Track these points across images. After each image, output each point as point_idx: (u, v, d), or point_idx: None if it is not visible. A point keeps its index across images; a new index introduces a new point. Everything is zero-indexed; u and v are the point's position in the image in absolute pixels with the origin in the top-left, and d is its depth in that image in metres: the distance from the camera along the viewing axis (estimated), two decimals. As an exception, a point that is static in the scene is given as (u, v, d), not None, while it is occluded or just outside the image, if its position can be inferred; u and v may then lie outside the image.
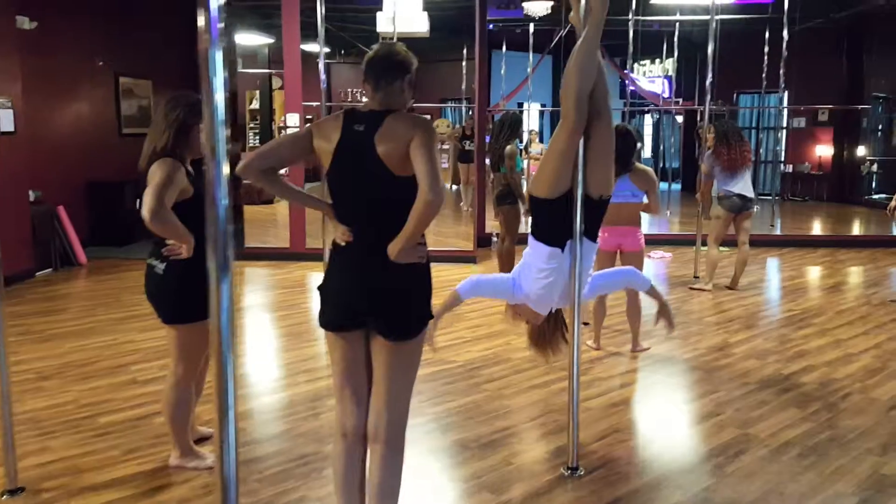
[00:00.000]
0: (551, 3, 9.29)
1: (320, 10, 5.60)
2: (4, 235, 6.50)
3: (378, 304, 2.24)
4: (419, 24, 9.60)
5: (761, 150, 14.10)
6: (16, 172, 6.59)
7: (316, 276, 7.11)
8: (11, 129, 6.48)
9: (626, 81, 16.71)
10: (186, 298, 2.95)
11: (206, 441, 3.44)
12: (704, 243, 6.92)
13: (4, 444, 2.92)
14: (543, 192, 3.03)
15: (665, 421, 3.73)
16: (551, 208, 3.02)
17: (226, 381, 1.36)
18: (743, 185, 6.51)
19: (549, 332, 3.37)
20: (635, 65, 17.57)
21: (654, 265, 7.98)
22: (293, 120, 7.66)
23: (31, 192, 6.98)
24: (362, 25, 10.07)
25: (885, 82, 13.11)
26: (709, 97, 7.71)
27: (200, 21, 1.22)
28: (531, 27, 12.37)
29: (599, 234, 4.73)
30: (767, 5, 11.11)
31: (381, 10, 9.42)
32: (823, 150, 14.14)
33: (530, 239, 3.19)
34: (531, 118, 19.13)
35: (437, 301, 2.50)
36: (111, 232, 8.36)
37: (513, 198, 6.63)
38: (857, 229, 10.90)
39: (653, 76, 17.33)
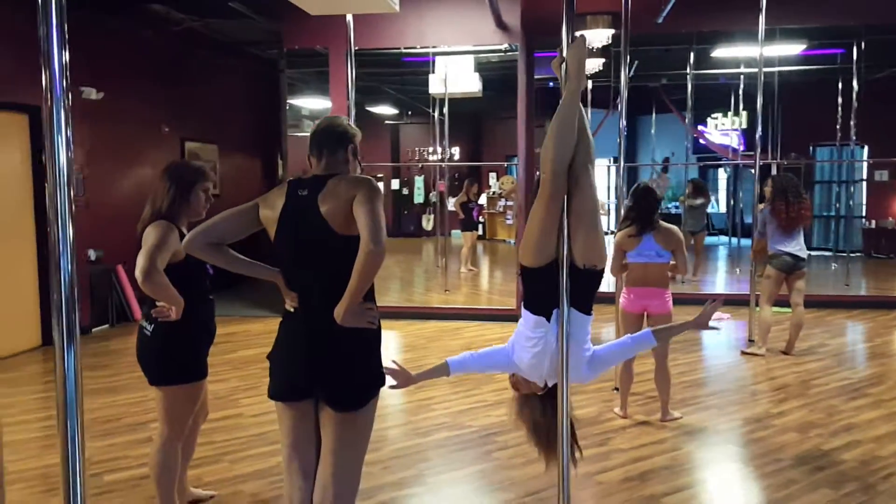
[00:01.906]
0: (602, 59, 9.24)
1: (350, 75, 5.72)
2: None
3: (323, 373, 2.19)
4: (470, 84, 9.74)
5: (839, 205, 13.44)
6: (76, 233, 6.94)
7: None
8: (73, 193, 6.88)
9: (696, 136, 16.40)
10: (172, 360, 2.98)
11: (200, 503, 3.43)
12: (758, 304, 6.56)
13: (-6, 502, 2.99)
14: (529, 261, 2.93)
15: (679, 500, 3.47)
16: (537, 277, 2.92)
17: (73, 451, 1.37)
18: (796, 244, 6.17)
19: (547, 426, 3.18)
20: (708, 118, 17.29)
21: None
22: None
23: (91, 252, 7.35)
24: (420, 87, 10.28)
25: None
26: (764, 150, 7.41)
27: (44, 80, 1.25)
28: (589, 83, 12.31)
29: (624, 295, 4.62)
30: (836, 55, 10.71)
31: (433, 72, 9.63)
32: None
33: (522, 308, 3.09)
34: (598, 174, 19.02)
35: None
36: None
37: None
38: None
39: (725, 129, 16.95)
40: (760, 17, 6.62)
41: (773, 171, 11.07)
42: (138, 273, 2.73)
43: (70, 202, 1.36)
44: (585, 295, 2.93)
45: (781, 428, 4.45)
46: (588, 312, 2.97)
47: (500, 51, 8.65)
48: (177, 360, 2.99)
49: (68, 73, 1.31)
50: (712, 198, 18.50)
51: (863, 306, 8.42)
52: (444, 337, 7.16)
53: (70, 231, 1.41)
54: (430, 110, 11.11)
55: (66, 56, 1.31)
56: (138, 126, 8.42)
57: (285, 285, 2.29)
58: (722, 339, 7.11)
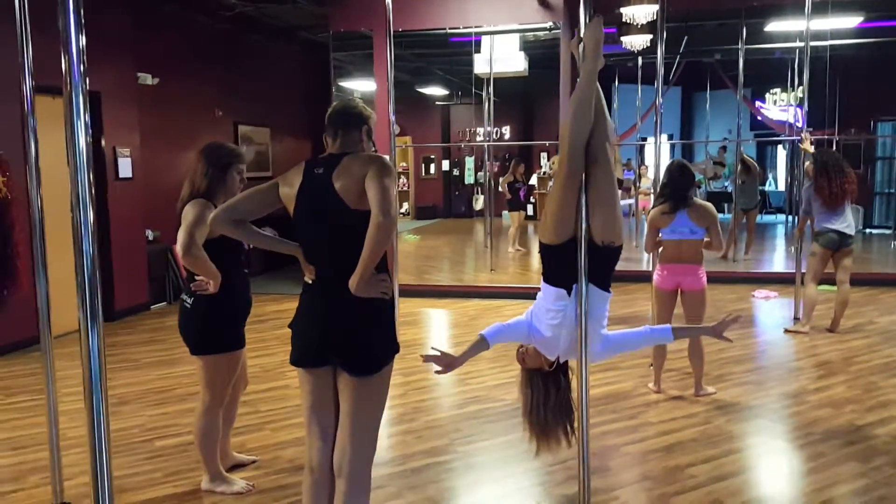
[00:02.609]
0: (649, 35, 9.11)
1: (389, 57, 5.82)
2: (124, 271, 7.25)
3: (339, 341, 2.34)
4: (516, 63, 9.75)
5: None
6: (133, 214, 7.33)
7: (399, 310, 7.31)
8: (129, 175, 7.24)
9: (754, 112, 15.99)
10: (210, 331, 3.19)
11: (242, 468, 3.64)
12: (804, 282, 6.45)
13: (51, 464, 3.24)
14: (548, 239, 3.00)
15: (701, 471, 3.52)
16: (557, 253, 2.97)
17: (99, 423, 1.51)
18: (842, 221, 6.04)
19: (546, 410, 3.22)
20: (766, 94, 16.82)
21: (756, 305, 7.53)
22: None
23: (149, 232, 7.71)
24: (468, 67, 10.33)
25: None
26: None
27: (63, 65, 1.37)
28: (640, 60, 12.16)
29: (658, 271, 4.64)
30: (894, 28, 10.30)
31: (478, 52, 9.67)
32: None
33: (542, 282, 3.16)
34: (653, 152, 18.76)
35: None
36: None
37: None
38: None
39: (784, 105, 16.47)
40: (807, -12, 6.44)
41: (833, 148, 10.76)
42: (179, 248, 2.93)
43: (90, 186, 1.43)
44: (604, 272, 2.98)
45: (817, 403, 4.43)
46: (607, 289, 3.03)
47: (545, 29, 8.62)
48: (215, 330, 3.19)
49: (85, 59, 1.42)
50: (769, 175, 18.06)
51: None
52: (486, 315, 7.28)
53: (91, 215, 1.44)
54: (479, 90, 11.15)
55: (83, 41, 1.41)
56: (192, 110, 8.73)
57: (304, 259, 2.44)
58: (767, 317, 7.03)
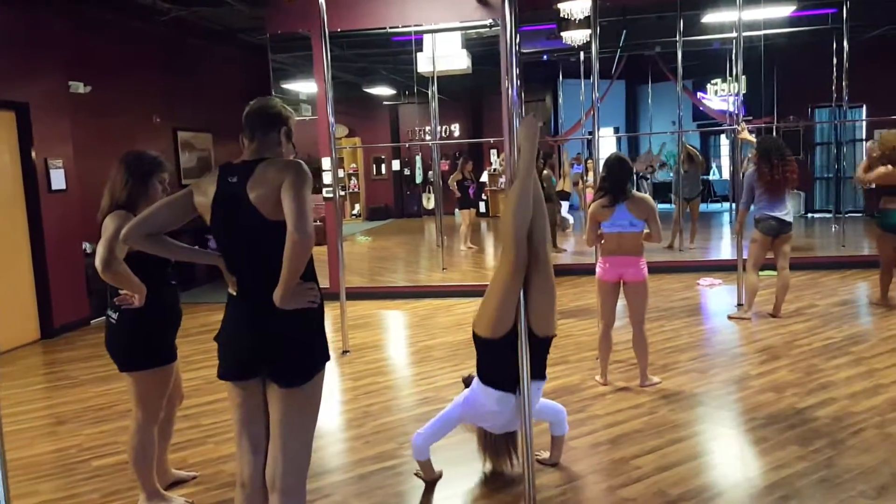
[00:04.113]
0: (587, 31, 9.17)
1: (326, 58, 5.74)
2: (62, 285, 7.01)
3: (266, 352, 2.27)
4: (460, 61, 9.73)
5: (845, 165, 13.32)
6: (69, 227, 7.09)
7: (349, 312, 7.24)
8: (63, 186, 7.01)
9: (695, 103, 16.29)
10: (139, 346, 3.08)
11: (182, 484, 3.54)
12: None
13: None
14: (486, 332, 3.09)
15: (647, 462, 3.54)
16: (495, 349, 3.08)
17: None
18: (782, 209, 6.15)
19: (497, 442, 3.40)
20: (707, 85, 17.15)
21: (701, 293, 7.65)
22: (326, 164, 7.87)
23: (87, 245, 7.46)
24: (411, 66, 10.26)
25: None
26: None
27: None
28: (582, 55, 12.26)
29: (600, 264, 4.67)
30: (827, 16, 10.58)
31: (421, 50, 9.63)
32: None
33: (477, 382, 3.24)
34: (601, 145, 18.96)
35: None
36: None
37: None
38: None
39: (725, 95, 16.82)
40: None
41: (774, 135, 10.99)
42: (98, 263, 2.81)
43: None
44: (541, 362, 3.17)
45: (759, 388, 4.51)
46: (543, 377, 3.25)
47: (485, 26, 8.61)
48: (144, 345, 3.09)
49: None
50: (713, 164, 18.41)
51: (858, 266, 8.38)
52: (438, 314, 7.25)
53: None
54: (425, 89, 11.10)
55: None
56: (129, 118, 8.49)
57: (226, 269, 2.36)
58: (711, 304, 7.15)
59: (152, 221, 2.38)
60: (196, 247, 2.67)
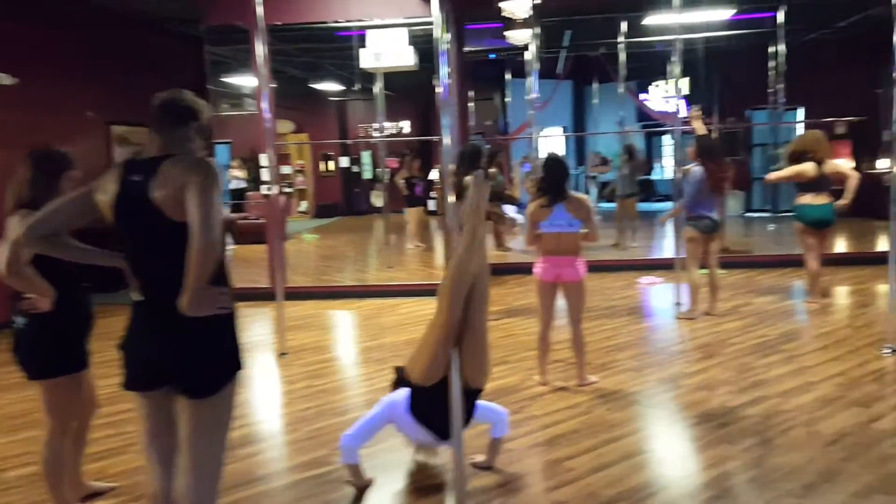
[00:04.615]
0: (529, 30, 9.20)
1: (263, 51, 5.60)
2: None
3: (171, 361, 2.15)
4: (404, 57, 9.62)
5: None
6: (-8, 225, 6.76)
7: (289, 314, 7.09)
8: (-15, 183, 6.68)
9: (638, 104, 16.54)
10: (48, 353, 2.92)
11: (100, 496, 3.38)
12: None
13: None
14: (418, 379, 3.18)
15: (581, 463, 3.52)
16: (426, 394, 3.17)
17: None
18: (715, 208, 6.28)
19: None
20: (650, 86, 17.41)
21: (642, 291, 7.73)
22: (270, 160, 7.68)
23: None
24: (357, 62, 10.11)
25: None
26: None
27: None
28: (526, 55, 12.28)
29: (539, 264, 4.65)
30: (764, 20, 10.83)
31: (364, 46, 9.49)
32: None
33: (408, 415, 3.25)
34: (549, 143, 19.11)
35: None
36: (101, 279, 8.48)
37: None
38: (872, 245, 10.38)
39: (668, 96, 17.10)
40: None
41: (714, 136, 11.19)
42: (1, 267, 2.64)
43: None
44: (469, 412, 3.24)
45: (693, 387, 4.55)
46: (468, 423, 3.31)
47: (429, 23, 8.54)
48: (53, 352, 2.93)
49: None
50: (658, 164, 18.73)
51: (794, 265, 8.54)
52: (382, 314, 7.15)
53: None
54: (373, 85, 10.97)
55: None
56: (60, 112, 8.15)
57: (130, 272, 2.24)
58: (651, 303, 7.23)
59: (50, 222, 2.24)
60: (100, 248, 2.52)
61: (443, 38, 2.81)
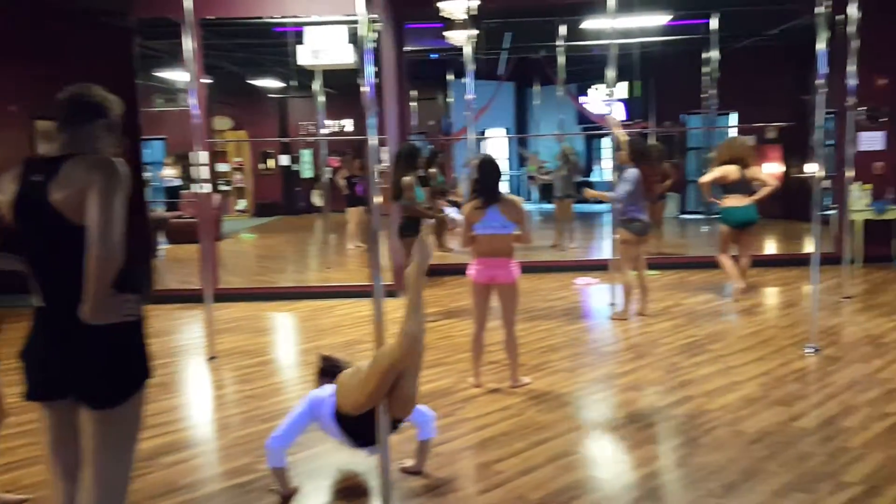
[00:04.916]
0: (474, 31, 9.21)
1: (193, 45, 5.44)
2: None
3: (74, 370, 2.04)
4: (344, 55, 9.50)
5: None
6: None
7: (222, 316, 6.93)
8: None
9: (578, 107, 16.76)
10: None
11: (9, 508, 3.22)
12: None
13: None
14: (349, 411, 3.16)
15: (510, 466, 3.51)
16: (355, 420, 3.16)
17: None
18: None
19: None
20: (589, 90, 17.64)
21: (577, 292, 7.81)
22: (203, 158, 7.49)
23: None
24: (292, 59, 9.94)
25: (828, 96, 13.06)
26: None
27: None
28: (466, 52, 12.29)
29: (473, 266, 4.63)
30: (699, 26, 11.09)
31: (302, 43, 9.34)
32: (773, 168, 14.07)
33: (334, 422, 3.22)
34: (493, 145, 19.24)
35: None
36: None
37: (413, 229, 6.49)
38: (800, 247, 10.75)
39: (608, 100, 17.37)
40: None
41: (652, 140, 11.42)
42: None
43: None
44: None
45: (623, 387, 4.60)
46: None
47: (370, 21, 8.45)
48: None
49: None
50: (597, 166, 19.01)
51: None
52: (317, 317, 7.04)
53: None
54: (311, 83, 10.81)
55: None
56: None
57: (30, 276, 2.12)
58: (586, 303, 7.31)
59: None
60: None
61: (368, 36, 2.76)
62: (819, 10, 5.28)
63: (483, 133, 17.93)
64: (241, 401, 4.61)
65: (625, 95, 15.85)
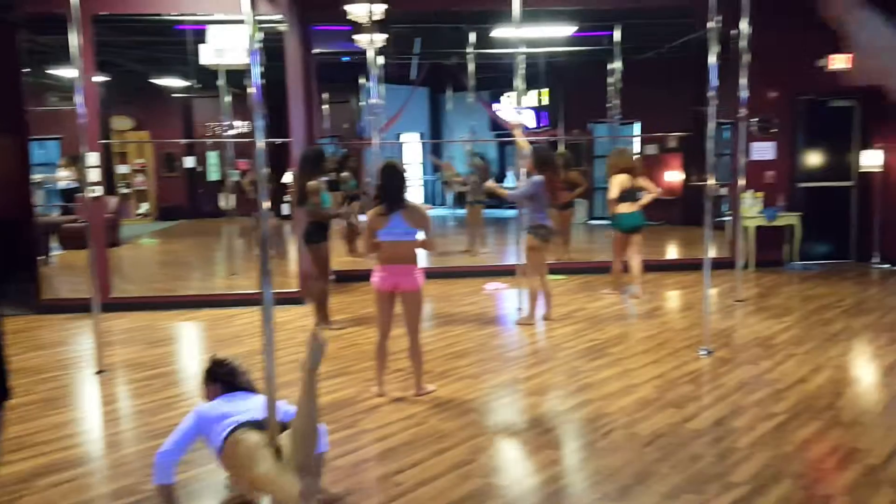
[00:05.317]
0: (383, 35, 9.16)
1: (79, 41, 5.15)
2: None
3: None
4: (246, 56, 9.25)
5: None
6: None
7: (115, 327, 6.59)
8: None
9: (490, 114, 16.94)
10: None
11: None
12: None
13: None
14: (236, 482, 3.13)
15: (409, 477, 3.46)
16: None
17: None
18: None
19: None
20: (502, 97, 17.87)
21: (486, 297, 7.85)
22: (93, 159, 7.13)
23: None
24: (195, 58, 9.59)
25: (723, 108, 13.67)
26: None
27: None
28: (382, 59, 12.21)
29: (376, 273, 4.56)
30: (604, 38, 11.39)
31: (204, 42, 9.04)
32: (674, 176, 14.63)
33: (221, 441, 3.09)
34: (409, 149, 19.22)
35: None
36: None
37: (320, 235, 6.38)
38: (698, 252, 11.17)
39: (519, 108, 17.62)
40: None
41: (560, 148, 11.64)
42: None
43: None
44: None
45: (525, 392, 4.64)
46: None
47: (272, 22, 8.25)
48: None
49: None
50: (509, 173, 19.27)
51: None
52: (216, 326, 6.79)
53: None
54: (219, 83, 10.47)
55: None
56: None
57: None
58: (494, 309, 7.35)
59: None
60: None
61: (254, 37, 2.66)
62: (711, 25, 5.48)
63: (398, 137, 17.90)
64: (130, 416, 4.39)
65: (534, 103, 16.13)
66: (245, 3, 2.59)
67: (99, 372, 5.21)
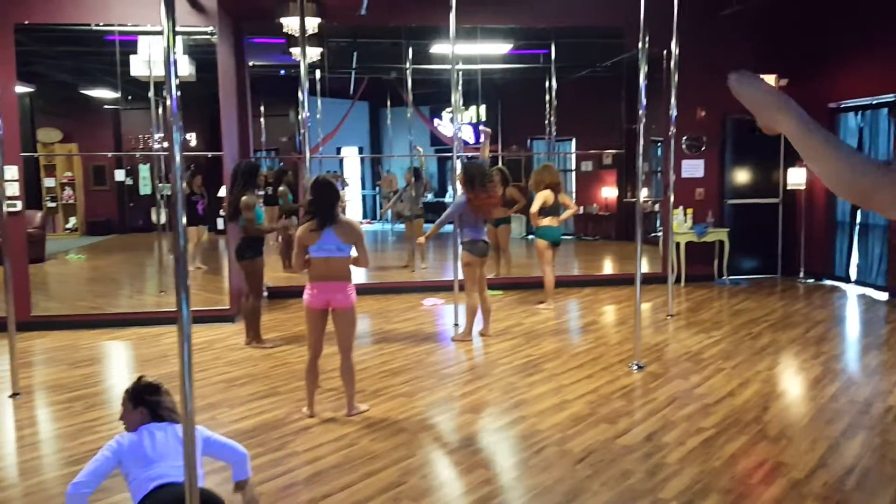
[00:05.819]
0: (318, 49, 9.09)
1: None
2: None
3: None
4: (181, 67, 9.04)
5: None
6: None
7: (35, 347, 6.28)
8: None
9: (431, 129, 16.98)
10: None
11: None
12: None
13: None
14: None
15: (337, 501, 3.36)
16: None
17: None
18: (484, 232, 6.53)
19: None
20: (442, 112, 17.94)
21: (424, 313, 7.80)
22: (11, 173, 6.81)
23: None
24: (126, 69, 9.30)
25: (655, 126, 14.05)
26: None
27: None
28: (318, 73, 12.13)
29: (308, 290, 4.46)
30: (540, 56, 11.57)
31: (135, 53, 8.81)
32: (609, 192, 14.90)
33: (139, 495, 2.88)
34: (348, 163, 19.07)
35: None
36: None
37: (253, 251, 6.23)
38: (635, 267, 11.37)
39: (461, 123, 17.72)
40: (451, 14, 6.83)
41: (498, 163, 11.71)
42: None
43: None
44: None
45: (460, 410, 4.59)
46: None
47: (204, 33, 8.08)
48: None
49: None
50: (449, 187, 19.32)
51: (567, 285, 9.09)
52: (142, 346, 6.53)
53: None
54: (150, 95, 10.18)
55: None
56: None
57: None
58: (431, 325, 7.30)
59: None
60: None
61: (172, 48, 2.56)
62: (640, 45, 5.59)
63: (338, 151, 17.78)
64: (45, 441, 4.16)
65: (473, 119, 16.24)
66: (162, 11, 2.49)
67: (14, 395, 4.94)
